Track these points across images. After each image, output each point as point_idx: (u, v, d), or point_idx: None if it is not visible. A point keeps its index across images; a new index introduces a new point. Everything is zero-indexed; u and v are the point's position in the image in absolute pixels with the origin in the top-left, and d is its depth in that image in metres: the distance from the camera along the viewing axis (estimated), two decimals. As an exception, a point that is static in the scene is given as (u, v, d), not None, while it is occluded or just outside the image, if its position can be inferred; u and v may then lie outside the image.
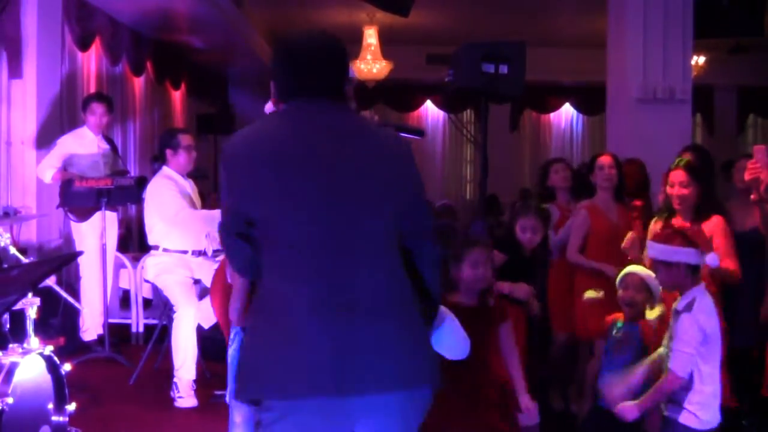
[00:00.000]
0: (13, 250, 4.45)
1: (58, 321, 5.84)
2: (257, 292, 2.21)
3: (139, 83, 9.48)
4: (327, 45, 2.29)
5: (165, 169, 5.24)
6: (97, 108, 6.23)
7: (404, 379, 2.11)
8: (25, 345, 3.58)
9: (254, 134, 2.22)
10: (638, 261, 3.87)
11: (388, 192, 2.17)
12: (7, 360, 3.36)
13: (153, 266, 5.21)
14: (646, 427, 3.54)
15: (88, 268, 6.11)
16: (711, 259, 3.16)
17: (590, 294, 4.12)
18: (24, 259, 4.49)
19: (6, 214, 5.55)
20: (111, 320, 6.09)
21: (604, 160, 4.82)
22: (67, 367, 3.71)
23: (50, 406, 3.62)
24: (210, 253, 5.25)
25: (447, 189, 13.71)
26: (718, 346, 3.20)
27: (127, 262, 6.84)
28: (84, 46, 7.47)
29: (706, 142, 12.26)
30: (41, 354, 3.56)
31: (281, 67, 2.27)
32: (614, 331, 3.75)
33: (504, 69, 4.38)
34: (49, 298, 4.78)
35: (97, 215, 5.91)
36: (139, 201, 5.85)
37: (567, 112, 13.92)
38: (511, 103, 12.44)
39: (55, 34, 6.82)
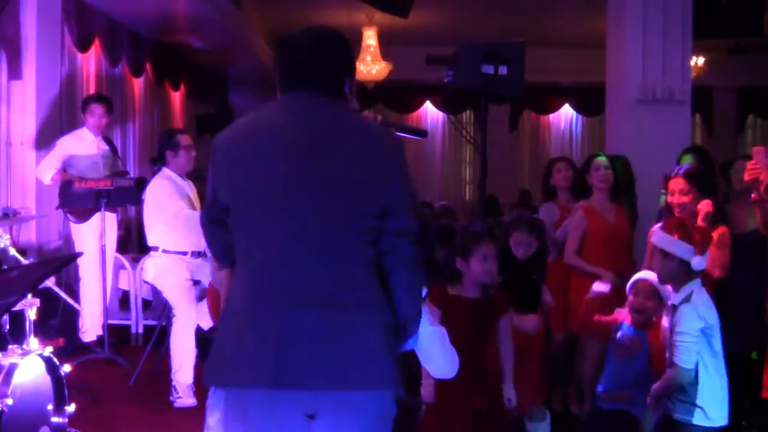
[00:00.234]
0: (12, 251, 4.45)
1: (58, 322, 5.83)
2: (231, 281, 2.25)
3: (138, 84, 9.48)
4: (325, 39, 2.29)
5: (164, 171, 5.24)
6: (97, 109, 6.23)
7: (352, 378, 2.07)
8: (24, 346, 3.58)
9: (240, 125, 2.27)
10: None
11: (365, 190, 2.13)
12: (7, 361, 3.36)
13: (152, 267, 5.21)
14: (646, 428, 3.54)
15: (88, 269, 6.11)
16: (697, 262, 3.17)
17: (598, 287, 4.11)
18: (23, 260, 4.49)
19: (5, 215, 5.55)
20: (110, 321, 6.09)
21: (600, 161, 4.83)
22: (66, 368, 3.71)
23: (50, 407, 3.61)
24: (209, 254, 5.24)
25: (446, 190, 13.71)
26: (720, 339, 3.20)
27: (127, 263, 6.83)
28: (83, 47, 7.47)
29: (705, 143, 12.26)
30: (41, 355, 3.56)
31: (279, 59, 2.29)
32: (619, 334, 3.74)
33: (503, 70, 4.38)
34: (48, 299, 4.77)
35: (97, 216, 5.90)
36: (138, 202, 5.85)
37: (566, 113, 13.92)
38: (510, 104, 12.44)
39: (55, 35, 6.82)
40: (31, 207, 6.40)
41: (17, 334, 3.69)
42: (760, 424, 4.36)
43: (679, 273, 3.20)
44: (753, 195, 3.76)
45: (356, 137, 2.19)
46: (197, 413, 4.83)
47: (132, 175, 6.89)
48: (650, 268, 3.67)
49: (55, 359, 3.63)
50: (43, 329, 4.92)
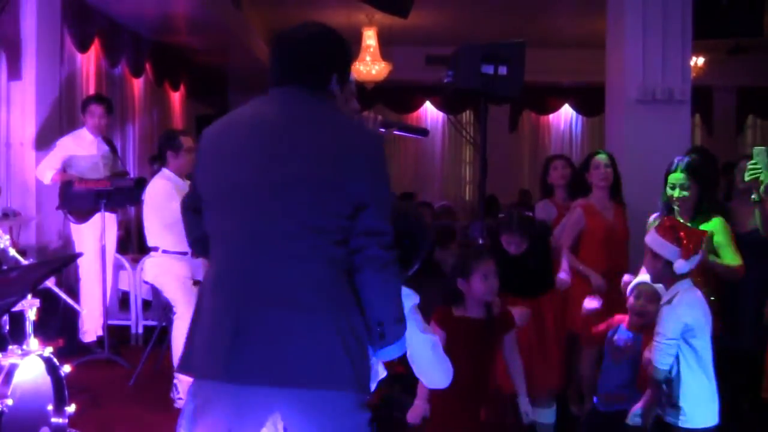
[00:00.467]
0: (12, 252, 4.44)
1: (58, 323, 5.83)
2: None
3: (138, 84, 9.48)
4: (312, 35, 2.29)
5: (164, 171, 5.25)
6: (97, 109, 6.23)
7: (305, 377, 2.07)
8: (24, 346, 3.58)
9: (225, 120, 2.31)
10: None
11: (331, 189, 2.10)
12: (7, 361, 3.35)
13: (152, 268, 5.21)
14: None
15: (88, 270, 6.11)
16: (680, 265, 3.18)
17: (590, 305, 4.08)
18: (23, 261, 4.48)
19: (5, 216, 5.55)
20: (110, 322, 6.09)
21: (600, 159, 4.82)
22: (66, 368, 3.71)
23: (50, 407, 3.61)
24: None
25: (446, 190, 13.72)
26: (707, 341, 3.20)
27: (127, 264, 6.83)
28: (83, 47, 7.47)
29: (705, 143, 12.26)
30: (41, 355, 3.56)
31: (270, 54, 2.32)
32: (615, 336, 3.75)
33: (503, 70, 4.37)
34: (48, 300, 4.77)
35: (97, 217, 5.90)
36: (138, 202, 5.85)
37: (566, 113, 13.93)
38: (510, 104, 12.45)
39: (55, 36, 6.82)
40: (31, 207, 6.40)
41: (17, 335, 3.69)
42: (760, 426, 4.36)
43: (665, 274, 3.23)
44: (753, 197, 3.77)
45: (327, 135, 2.16)
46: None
47: (132, 176, 6.89)
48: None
49: (55, 360, 3.63)
50: (43, 330, 4.90)
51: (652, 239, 3.27)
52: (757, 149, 3.75)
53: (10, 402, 3.23)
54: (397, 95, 12.97)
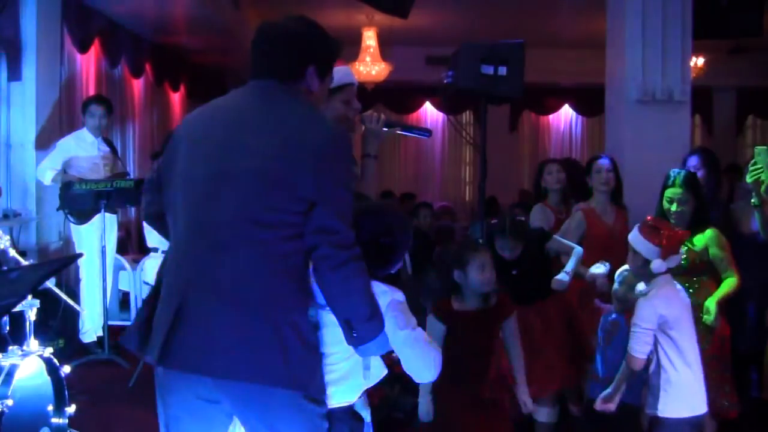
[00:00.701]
0: (12, 253, 4.44)
1: (58, 323, 5.83)
2: None
3: (138, 85, 9.49)
4: (289, 28, 2.30)
5: (165, 171, 5.24)
6: (97, 110, 6.24)
7: (235, 369, 2.07)
8: (24, 347, 3.58)
9: (199, 111, 2.36)
10: None
11: (281, 182, 2.09)
12: (7, 362, 3.36)
13: (152, 268, 5.22)
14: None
15: (88, 270, 6.12)
16: (657, 265, 3.25)
17: (596, 269, 4.10)
18: (24, 262, 4.48)
19: (6, 216, 5.55)
20: (110, 322, 6.09)
21: (602, 163, 4.82)
22: (66, 369, 3.71)
23: (50, 408, 3.62)
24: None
25: (446, 190, 13.71)
26: (687, 333, 3.28)
27: (127, 264, 6.83)
28: (83, 48, 7.47)
29: (705, 143, 12.25)
30: (41, 356, 3.56)
31: (250, 46, 2.33)
32: (606, 322, 3.87)
33: (503, 70, 4.37)
34: (48, 300, 4.76)
35: (97, 217, 5.91)
36: (138, 203, 5.85)
37: (566, 114, 13.91)
38: (510, 105, 12.44)
39: (55, 37, 6.82)
40: (31, 208, 6.41)
41: (17, 335, 3.69)
42: (760, 426, 4.36)
43: (644, 271, 3.32)
44: (752, 200, 3.78)
45: (283, 129, 2.15)
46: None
47: (132, 176, 6.89)
48: None
49: (55, 360, 3.64)
50: (43, 330, 4.92)
51: (634, 237, 3.35)
52: (758, 149, 3.75)
53: (10, 402, 3.23)
54: (397, 96, 12.96)
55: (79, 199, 5.84)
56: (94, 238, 5.97)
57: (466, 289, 3.47)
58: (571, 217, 4.83)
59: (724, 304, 3.90)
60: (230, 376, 2.08)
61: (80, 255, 5.40)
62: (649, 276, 3.31)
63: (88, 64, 7.92)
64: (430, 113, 13.66)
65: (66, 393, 3.67)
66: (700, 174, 4.35)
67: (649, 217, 3.55)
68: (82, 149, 6.17)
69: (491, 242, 4.16)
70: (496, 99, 4.74)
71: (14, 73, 6.35)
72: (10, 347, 3.53)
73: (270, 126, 2.16)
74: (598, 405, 3.42)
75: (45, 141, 6.42)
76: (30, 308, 3.68)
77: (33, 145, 6.44)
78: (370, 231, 2.27)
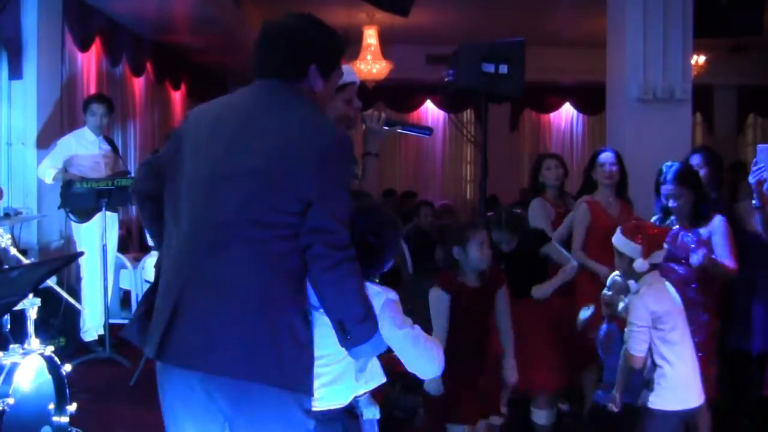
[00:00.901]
0: (13, 251, 4.45)
1: (59, 322, 5.84)
2: None
3: (139, 84, 9.49)
4: (291, 26, 2.29)
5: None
6: (98, 109, 6.24)
7: (229, 367, 2.07)
8: (25, 345, 3.58)
9: (206, 106, 2.35)
10: None
11: (281, 182, 2.08)
12: (8, 360, 3.36)
13: (153, 267, 5.21)
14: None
15: (89, 269, 6.12)
16: (639, 264, 3.34)
17: (584, 314, 4.07)
18: (25, 260, 4.49)
19: (7, 215, 5.54)
20: (111, 321, 6.09)
21: (606, 156, 4.81)
22: (67, 367, 3.71)
23: (51, 406, 3.62)
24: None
25: (447, 189, 13.71)
26: (679, 327, 3.33)
27: (128, 263, 6.84)
28: (84, 46, 7.47)
29: (706, 142, 12.26)
30: (42, 354, 3.57)
31: (253, 45, 2.33)
32: (600, 337, 3.81)
33: (504, 69, 4.38)
34: (49, 299, 4.77)
35: (98, 216, 5.91)
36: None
37: (567, 112, 13.91)
38: (511, 103, 12.43)
39: (56, 35, 6.82)
40: (32, 207, 6.41)
41: (18, 334, 3.69)
42: (760, 423, 4.36)
43: (631, 271, 3.39)
44: (753, 202, 3.78)
45: (284, 129, 2.14)
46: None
47: (133, 175, 6.89)
48: None
49: (56, 359, 3.64)
50: (44, 329, 4.92)
51: (617, 238, 3.43)
52: (761, 146, 3.75)
53: (11, 401, 3.23)
54: (397, 94, 12.96)
55: (80, 198, 5.85)
56: (95, 236, 5.98)
57: (465, 265, 3.59)
58: (576, 209, 4.82)
59: (717, 300, 3.91)
60: (226, 373, 2.09)
61: (81, 253, 5.39)
62: (637, 275, 3.37)
63: (89, 62, 7.93)
64: (430, 112, 13.65)
65: (67, 391, 3.67)
66: (702, 173, 4.34)
67: (633, 220, 3.65)
68: (83, 148, 6.18)
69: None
70: (496, 97, 4.75)
71: (15, 72, 6.35)
72: (11, 346, 3.54)
73: (273, 126, 2.15)
74: (600, 399, 3.50)
75: (46, 140, 6.43)
76: (31, 307, 3.68)
77: (34, 144, 6.44)
78: (360, 230, 2.26)
